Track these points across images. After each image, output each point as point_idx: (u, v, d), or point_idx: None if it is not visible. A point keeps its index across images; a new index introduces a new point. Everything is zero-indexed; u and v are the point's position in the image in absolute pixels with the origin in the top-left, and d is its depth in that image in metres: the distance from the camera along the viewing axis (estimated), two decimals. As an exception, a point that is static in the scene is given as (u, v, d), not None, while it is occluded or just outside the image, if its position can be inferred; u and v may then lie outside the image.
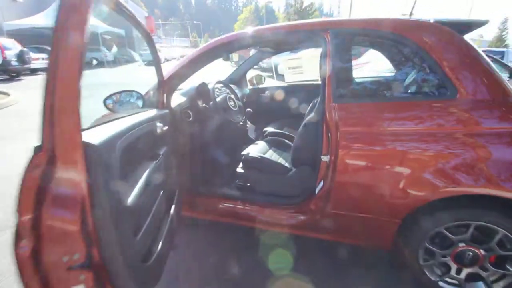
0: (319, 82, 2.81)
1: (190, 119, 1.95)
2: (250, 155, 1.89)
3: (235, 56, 2.39)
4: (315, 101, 2.34)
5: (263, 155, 1.92)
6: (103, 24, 17.78)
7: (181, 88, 2.09)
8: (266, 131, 2.53)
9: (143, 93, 1.66)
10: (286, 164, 1.96)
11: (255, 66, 3.10)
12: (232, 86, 2.86)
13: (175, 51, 25.15)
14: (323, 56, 1.50)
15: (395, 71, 1.86)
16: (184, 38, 57.47)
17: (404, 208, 1.31)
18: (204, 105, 2.04)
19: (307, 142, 1.66)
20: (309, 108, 2.36)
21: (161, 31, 60.40)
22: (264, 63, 11.79)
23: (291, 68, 2.79)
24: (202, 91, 2.07)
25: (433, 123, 1.23)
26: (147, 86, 1.80)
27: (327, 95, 1.44)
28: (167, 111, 1.65)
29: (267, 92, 2.98)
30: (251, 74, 3.17)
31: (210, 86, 2.06)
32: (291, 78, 2.87)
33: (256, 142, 2.22)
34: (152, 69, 1.60)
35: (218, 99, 2.09)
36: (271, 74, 9.51)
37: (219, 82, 2.19)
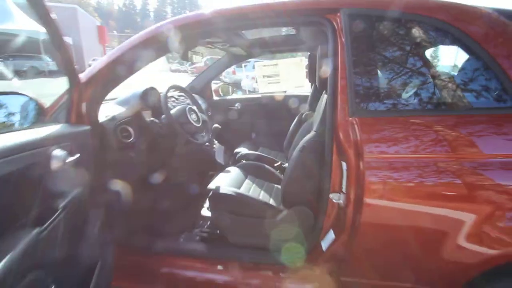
0: (300, 93, 2.36)
1: (131, 139, 1.32)
2: (220, 190, 1.31)
3: (196, 57, 1.90)
4: (303, 113, 1.88)
5: (238, 190, 1.35)
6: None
7: (114, 98, 1.46)
8: (238, 153, 1.97)
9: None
10: (272, 202, 1.41)
11: (215, 80, 2.58)
12: (195, 95, 2.29)
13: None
14: (329, 52, 1.03)
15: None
16: (141, 51, 55.08)
17: (470, 272, 0.86)
18: (152, 119, 1.43)
19: (306, 172, 1.15)
20: (294, 123, 1.89)
21: (117, 43, 57.53)
22: (226, 77, 11.36)
23: (266, 76, 2.36)
24: (150, 99, 1.46)
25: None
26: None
27: (339, 106, 0.96)
28: (86, 128, 1.03)
29: (237, 104, 2.46)
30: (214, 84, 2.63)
31: (163, 93, 1.46)
32: (266, 88, 2.43)
33: (227, 169, 1.64)
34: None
35: (173, 111, 1.50)
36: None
37: (175, 87, 1.59)
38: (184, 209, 1.54)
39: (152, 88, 1.54)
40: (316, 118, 1.27)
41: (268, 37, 2.09)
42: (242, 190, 1.45)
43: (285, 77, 2.38)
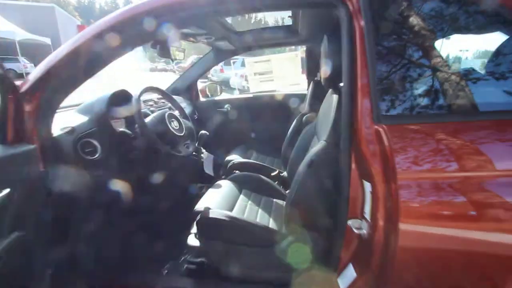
0: (296, 92, 2.14)
1: (96, 155, 1.07)
2: (209, 214, 1.08)
3: (178, 54, 1.66)
4: (304, 115, 1.65)
5: (231, 213, 1.12)
6: (22, 30, 15.25)
7: (77, 104, 1.21)
8: (230, 161, 1.74)
9: None
10: (272, 224, 1.19)
11: (202, 79, 2.32)
12: (177, 97, 2.03)
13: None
14: (343, 42, 0.81)
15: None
16: (126, 51, 53.81)
17: None
18: (123, 129, 1.17)
19: (315, 192, 0.93)
20: (293, 126, 1.66)
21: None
22: (214, 76, 11.01)
23: (258, 73, 2.13)
24: (120, 104, 1.21)
25: None
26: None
27: (360, 109, 0.74)
28: (28, 148, 0.78)
29: (227, 106, 2.21)
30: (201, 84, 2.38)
31: (135, 97, 1.20)
32: (258, 86, 2.20)
33: (218, 183, 1.41)
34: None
35: (149, 119, 1.24)
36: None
37: (151, 89, 1.33)
38: (167, 236, 1.30)
39: (124, 91, 1.28)
40: (323, 124, 1.05)
41: (258, 29, 1.85)
42: (236, 209, 1.21)
43: (279, 74, 2.15)
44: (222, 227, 1.06)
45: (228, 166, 1.74)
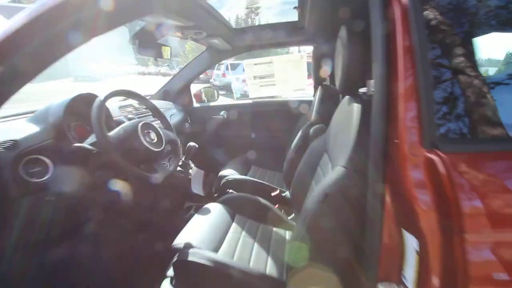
0: (302, 98, 1.91)
1: (46, 177, 0.84)
2: (189, 256, 0.83)
3: (164, 50, 1.43)
4: (312, 126, 1.40)
5: (217, 257, 0.87)
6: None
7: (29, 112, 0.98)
8: (223, 177, 1.49)
9: None
10: (271, 265, 0.93)
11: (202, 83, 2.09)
12: (166, 103, 1.80)
13: (116, 68, 22.58)
14: (373, 33, 0.57)
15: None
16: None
17: None
18: (80, 144, 0.93)
19: (331, 237, 0.68)
20: (298, 138, 1.41)
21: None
22: (216, 80, 10.85)
23: (258, 77, 1.89)
24: (79, 112, 0.97)
25: None
26: None
27: (402, 127, 0.50)
28: None
29: (223, 113, 1.98)
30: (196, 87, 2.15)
31: (97, 102, 0.95)
32: (258, 91, 1.96)
33: (206, 206, 1.16)
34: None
35: (115, 131, 0.98)
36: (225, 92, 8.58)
37: (122, 93, 1.08)
38: (137, 280, 1.05)
39: (90, 95, 1.05)
40: (339, 141, 0.80)
41: (258, 26, 1.63)
42: (225, 247, 0.96)
43: (281, 78, 1.92)
44: (204, 275, 0.81)
45: (222, 183, 1.49)
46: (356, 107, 0.75)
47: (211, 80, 11.00)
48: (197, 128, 1.99)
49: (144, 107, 1.36)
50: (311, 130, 1.26)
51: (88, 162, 0.92)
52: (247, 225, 1.12)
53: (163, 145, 1.07)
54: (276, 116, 1.95)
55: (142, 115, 1.38)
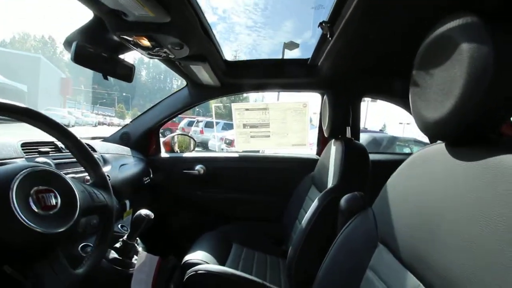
0: (303, 155, 1.53)
1: None
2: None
3: (120, 67, 1.09)
4: (331, 195, 0.93)
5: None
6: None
7: None
8: (188, 266, 0.91)
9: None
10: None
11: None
12: (121, 149, 1.30)
13: (91, 118, 22.09)
14: None
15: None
16: (109, 108, 54.16)
17: None
18: None
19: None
20: (314, 212, 0.92)
21: (82, 97, 56.71)
22: (193, 136, 10.52)
23: (249, 126, 1.48)
24: None
25: None
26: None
27: None
28: None
29: (199, 167, 1.47)
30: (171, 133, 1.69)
31: None
32: (247, 144, 1.53)
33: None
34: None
35: None
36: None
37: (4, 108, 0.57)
38: None
39: None
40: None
41: (258, 60, 1.29)
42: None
43: (278, 128, 1.53)
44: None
45: (186, 278, 0.90)
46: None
47: (191, 133, 10.71)
48: (160, 186, 1.45)
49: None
50: (343, 201, 0.79)
51: None
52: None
53: (75, 218, 0.53)
54: (269, 176, 1.49)
55: (65, 160, 0.84)
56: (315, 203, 0.94)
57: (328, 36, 0.84)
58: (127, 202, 1.12)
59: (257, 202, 1.50)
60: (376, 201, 0.61)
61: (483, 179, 0.36)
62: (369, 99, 5.19)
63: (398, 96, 1.38)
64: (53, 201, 0.51)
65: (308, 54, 1.20)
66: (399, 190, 0.54)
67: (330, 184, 1.00)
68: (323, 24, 0.81)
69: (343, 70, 1.16)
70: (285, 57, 1.79)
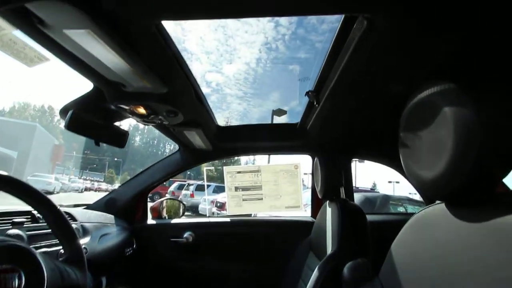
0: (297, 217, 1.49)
1: None
2: None
3: (115, 134, 1.08)
4: (332, 262, 0.85)
5: None
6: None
7: None
8: None
9: None
10: None
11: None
12: (105, 216, 1.23)
13: (77, 183, 21.41)
14: None
15: None
16: (99, 173, 53.14)
17: None
18: None
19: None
20: (317, 281, 0.84)
21: (72, 163, 55.98)
22: (183, 200, 10.16)
23: (241, 189, 1.45)
24: None
25: None
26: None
27: None
28: None
29: (188, 234, 1.37)
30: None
31: None
32: (238, 208, 1.46)
33: None
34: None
35: None
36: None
37: None
38: None
39: None
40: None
41: (248, 126, 1.35)
42: None
43: (271, 191, 1.50)
44: None
45: None
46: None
47: (181, 196, 10.35)
48: (145, 255, 1.32)
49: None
50: (346, 270, 0.72)
51: None
52: None
53: None
54: (263, 241, 1.39)
55: (40, 231, 0.78)
56: (315, 274, 0.88)
57: (315, 103, 0.91)
58: (103, 280, 1.00)
59: (250, 271, 1.37)
60: (382, 270, 0.56)
61: (493, 241, 0.34)
62: (357, 159, 5.32)
63: (387, 157, 1.43)
64: (16, 283, 0.44)
65: (295, 119, 1.28)
66: (405, 258, 0.51)
67: (329, 249, 0.96)
68: (310, 93, 0.88)
69: (331, 133, 1.21)
70: (274, 121, 1.87)
